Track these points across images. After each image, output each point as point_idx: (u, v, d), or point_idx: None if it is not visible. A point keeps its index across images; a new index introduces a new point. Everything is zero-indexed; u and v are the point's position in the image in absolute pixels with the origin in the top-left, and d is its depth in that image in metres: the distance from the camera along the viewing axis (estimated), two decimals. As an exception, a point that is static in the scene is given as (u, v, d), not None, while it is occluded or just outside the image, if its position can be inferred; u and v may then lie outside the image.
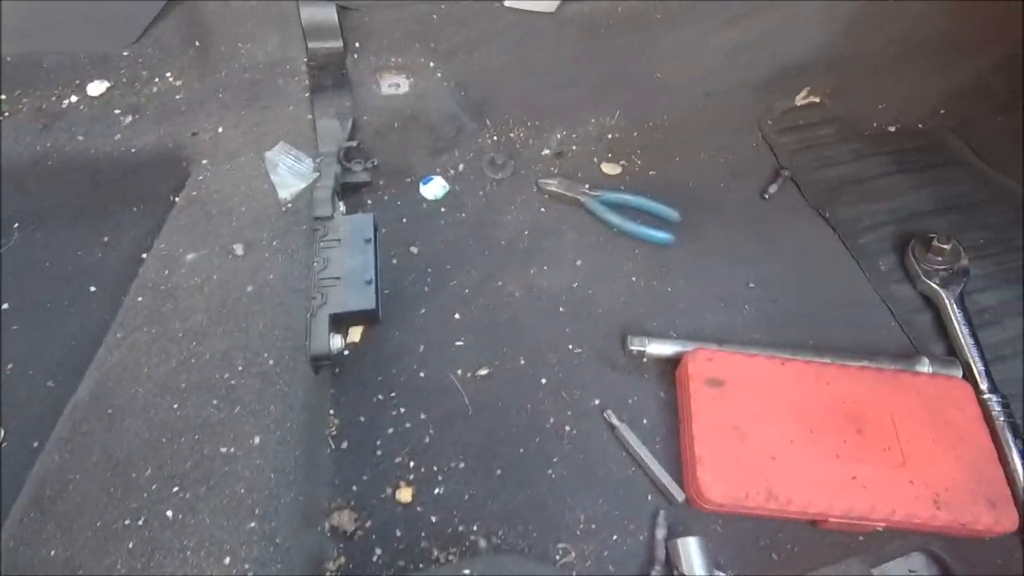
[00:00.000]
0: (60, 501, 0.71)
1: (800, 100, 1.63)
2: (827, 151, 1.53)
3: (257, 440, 0.76)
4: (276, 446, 0.77)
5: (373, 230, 1.04)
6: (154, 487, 0.72)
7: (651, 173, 1.40)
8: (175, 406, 0.77)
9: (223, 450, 0.75)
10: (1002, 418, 1.01)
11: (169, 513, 0.70)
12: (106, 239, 1.07)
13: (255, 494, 0.72)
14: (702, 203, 1.35)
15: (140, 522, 0.69)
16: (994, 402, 1.03)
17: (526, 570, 0.71)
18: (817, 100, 1.64)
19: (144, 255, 1.05)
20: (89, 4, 1.05)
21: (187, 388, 0.79)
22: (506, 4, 1.23)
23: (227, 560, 0.68)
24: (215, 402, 0.78)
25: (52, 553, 0.68)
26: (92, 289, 1.02)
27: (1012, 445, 0.99)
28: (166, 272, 0.89)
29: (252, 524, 0.70)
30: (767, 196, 1.40)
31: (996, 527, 0.89)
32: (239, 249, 0.92)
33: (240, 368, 0.81)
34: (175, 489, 0.72)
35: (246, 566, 0.68)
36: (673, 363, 1.07)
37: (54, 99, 1.08)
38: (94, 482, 0.72)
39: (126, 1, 1.08)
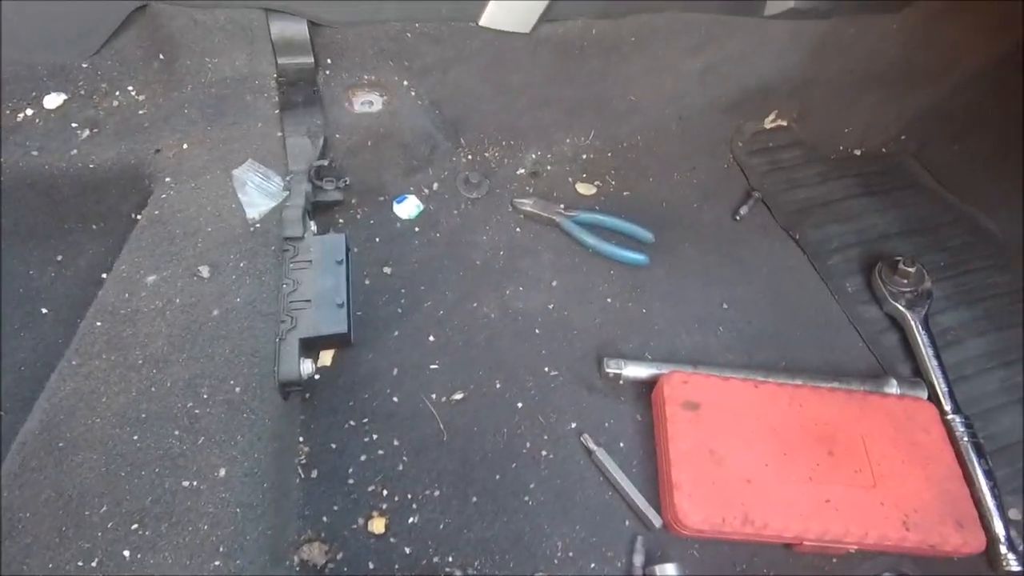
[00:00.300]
0: (8, 542, 0.66)
1: (768, 123, 1.67)
2: (795, 173, 1.56)
3: (222, 472, 0.73)
4: (243, 478, 0.73)
5: (345, 251, 1.01)
6: (110, 525, 0.68)
7: (625, 193, 1.41)
8: (134, 438, 0.73)
9: (186, 484, 0.71)
10: (966, 438, 1.04)
11: (127, 553, 0.66)
12: (60, 259, 1.02)
13: (220, 530, 0.69)
14: (675, 223, 1.37)
15: (94, 563, 0.65)
16: (958, 423, 1.06)
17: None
18: (785, 123, 1.68)
19: (103, 276, 1.01)
20: (46, 12, 1.00)
21: (147, 418, 0.75)
22: (481, 23, 1.23)
23: (189, 603, 0.64)
24: (177, 433, 0.75)
25: (-3, 599, 0.63)
26: (44, 311, 0.97)
27: (977, 465, 1.01)
28: (126, 295, 0.85)
29: (216, 562, 0.67)
30: (739, 217, 1.42)
31: (964, 548, 0.90)
32: (204, 271, 0.89)
33: (204, 396, 0.78)
34: (133, 527, 0.68)
35: (210, 608, 0.64)
36: (649, 385, 1.07)
37: (8, 112, 1.03)
38: (44, 521, 0.67)
39: (87, 8, 1.03)
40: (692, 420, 0.97)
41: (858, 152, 1.66)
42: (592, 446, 0.98)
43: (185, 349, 0.81)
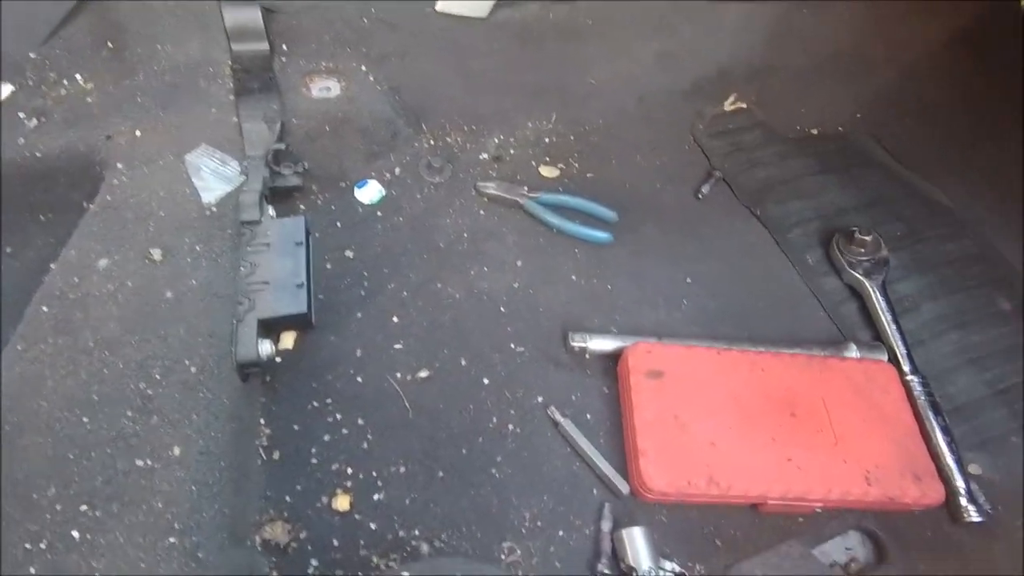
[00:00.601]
0: (-50, 526, 0.64)
1: (728, 105, 1.69)
2: (755, 153, 1.59)
3: (177, 451, 0.72)
4: (199, 456, 0.72)
5: (305, 233, 1.01)
6: (58, 507, 0.66)
7: (588, 175, 1.42)
8: (84, 420, 0.72)
9: (139, 463, 0.70)
10: (923, 397, 1.06)
11: (75, 534, 0.65)
12: (8, 250, 1.00)
13: (174, 508, 0.68)
14: (639, 204, 1.38)
15: (42, 545, 0.64)
16: (916, 383, 1.08)
17: (469, 570, 0.69)
18: (744, 106, 1.70)
19: (52, 266, 0.98)
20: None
21: (99, 401, 0.74)
22: (437, 8, 1.23)
23: (143, 580, 0.63)
24: (130, 414, 0.73)
25: (-60, 585, 0.61)
26: (-7, 303, 0.95)
27: (934, 423, 1.03)
28: (75, 280, 0.83)
29: (171, 539, 0.66)
30: (701, 196, 1.44)
31: (923, 499, 0.92)
32: (157, 254, 0.87)
33: (158, 377, 0.77)
34: (83, 508, 0.66)
35: (165, 584, 0.63)
36: (615, 358, 1.07)
37: (-48, 102, 1.01)
38: (-10, 505, 0.66)
39: (33, 1, 1.01)
40: (656, 388, 0.97)
41: (816, 132, 1.69)
42: (558, 418, 0.98)
43: (138, 331, 0.80)
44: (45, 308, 0.80)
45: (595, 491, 0.93)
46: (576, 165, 1.44)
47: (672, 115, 1.60)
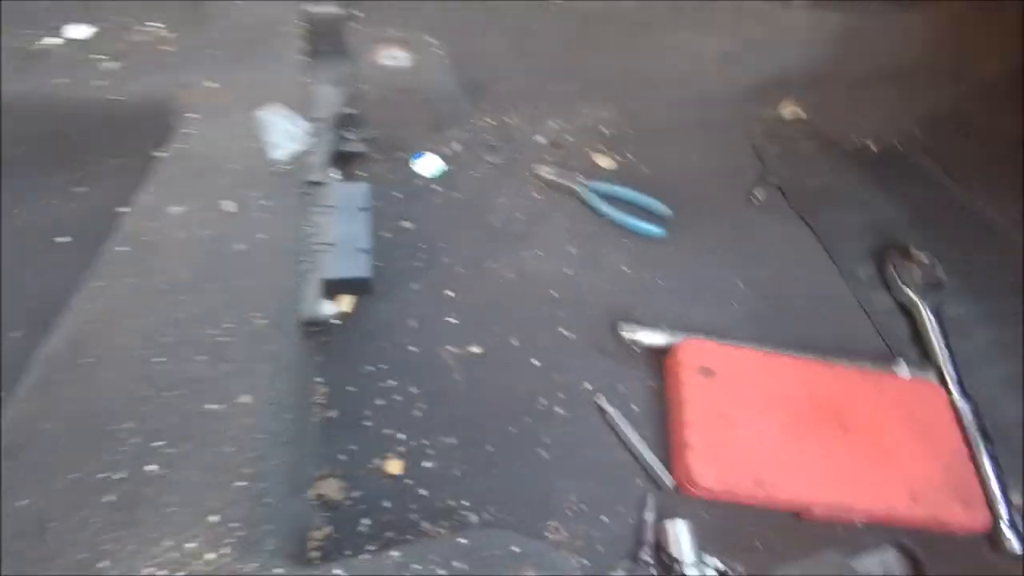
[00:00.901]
0: (33, 451, 0.65)
1: (786, 112, 1.68)
2: (811, 162, 1.58)
3: (247, 399, 0.72)
4: (267, 406, 0.73)
5: (368, 199, 1.01)
6: (135, 441, 0.67)
7: (643, 169, 1.41)
8: (159, 360, 0.73)
9: (210, 407, 0.71)
10: (973, 422, 1.05)
11: (152, 468, 0.66)
12: (80, 189, 1.01)
13: (245, 453, 0.69)
14: (691, 201, 1.37)
15: (119, 476, 0.65)
16: (965, 407, 1.07)
17: (520, 545, 0.69)
18: (801, 112, 1.69)
19: (122, 209, 1.00)
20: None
21: (172, 342, 0.75)
22: (511, -12, 1.23)
23: (213, 518, 0.64)
24: (201, 358, 0.74)
25: (24, 504, 0.63)
26: (63, 240, 0.96)
27: (983, 449, 1.02)
28: (151, 224, 0.84)
29: (241, 483, 0.66)
30: (754, 200, 1.43)
31: (968, 524, 0.92)
32: (229, 206, 0.88)
33: (229, 325, 0.77)
34: (158, 444, 0.67)
35: (234, 524, 0.64)
36: (662, 353, 1.07)
37: (34, 40, 1.02)
38: (70, 434, 0.67)
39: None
40: (706, 385, 0.97)
41: (873, 144, 1.67)
42: (605, 406, 0.98)
43: (209, 279, 0.81)
44: (123, 248, 0.81)
45: (638, 481, 0.93)
46: (631, 157, 1.43)
47: (730, 116, 1.59)
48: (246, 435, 0.70)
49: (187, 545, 0.63)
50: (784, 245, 1.36)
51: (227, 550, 0.63)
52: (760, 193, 1.45)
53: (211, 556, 0.62)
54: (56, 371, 0.71)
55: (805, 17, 1.50)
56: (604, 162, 1.40)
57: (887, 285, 1.30)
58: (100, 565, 0.60)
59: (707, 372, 0.99)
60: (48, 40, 1.01)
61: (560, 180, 1.29)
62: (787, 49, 1.58)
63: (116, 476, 0.65)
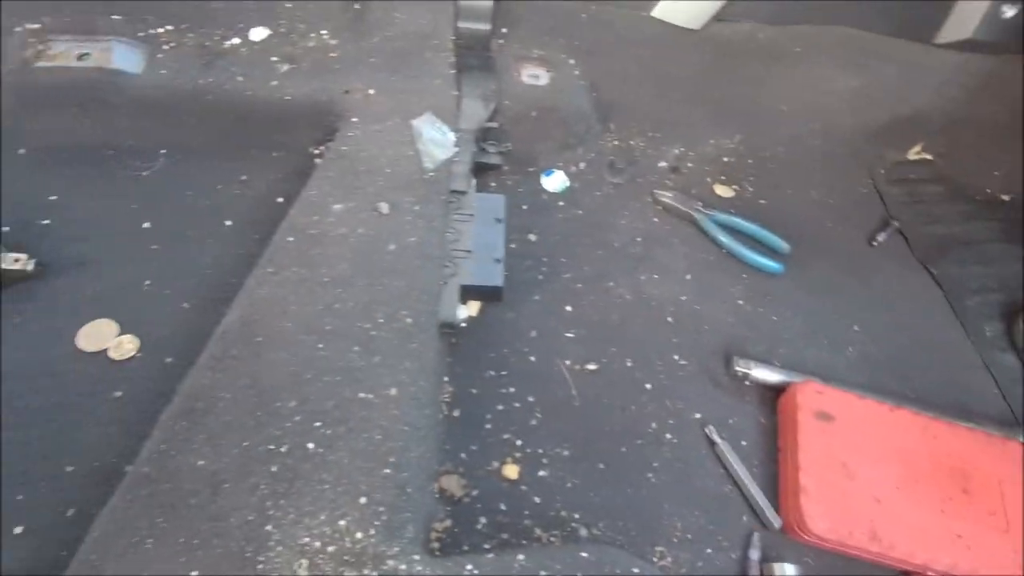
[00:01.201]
0: (210, 417, 0.73)
1: (913, 154, 1.62)
2: (936, 208, 1.52)
3: (394, 392, 0.78)
4: (410, 401, 0.78)
5: (504, 211, 1.06)
6: (297, 419, 0.74)
7: (761, 201, 1.40)
8: (319, 346, 0.80)
9: (362, 396, 0.77)
10: (1107, 503, 0.99)
11: (311, 446, 0.72)
12: (244, 178, 1.10)
13: (390, 443, 0.74)
14: (809, 239, 1.35)
15: (283, 449, 0.71)
16: (1100, 485, 1.01)
17: (639, 567, 0.71)
18: (930, 157, 1.63)
19: (279, 199, 1.08)
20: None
21: (331, 331, 0.81)
22: (653, 14, 1.25)
23: (363, 500, 0.70)
24: (356, 349, 0.80)
25: (200, 463, 0.70)
26: (228, 223, 1.05)
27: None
28: (315, 218, 0.91)
29: (387, 471, 0.72)
30: (875, 243, 1.39)
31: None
32: (384, 208, 0.94)
33: (381, 321, 0.83)
34: (317, 424, 0.74)
35: (380, 508, 0.69)
36: (775, 390, 1.07)
37: (217, 39, 1.12)
38: (241, 405, 0.74)
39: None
40: (824, 431, 0.96)
41: (1005, 197, 1.59)
42: (716, 438, 0.99)
43: (364, 275, 0.87)
44: (290, 239, 0.89)
45: (744, 518, 0.94)
46: (750, 189, 1.42)
47: (854, 154, 1.55)
48: (392, 425, 0.76)
49: (339, 522, 0.68)
50: (904, 292, 1.32)
51: (373, 532, 0.69)
52: (881, 236, 1.41)
53: (359, 535, 0.68)
54: (231, 347, 0.79)
55: (947, 60, 1.45)
56: (723, 191, 1.40)
57: (1015, 346, 1.24)
58: (266, 528, 0.67)
59: (825, 417, 0.98)
60: (231, 41, 1.11)
61: (680, 206, 1.30)
62: (923, 90, 1.52)
63: (281, 448, 0.72)
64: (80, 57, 1.02)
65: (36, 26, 1.04)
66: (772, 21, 1.35)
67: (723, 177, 1.42)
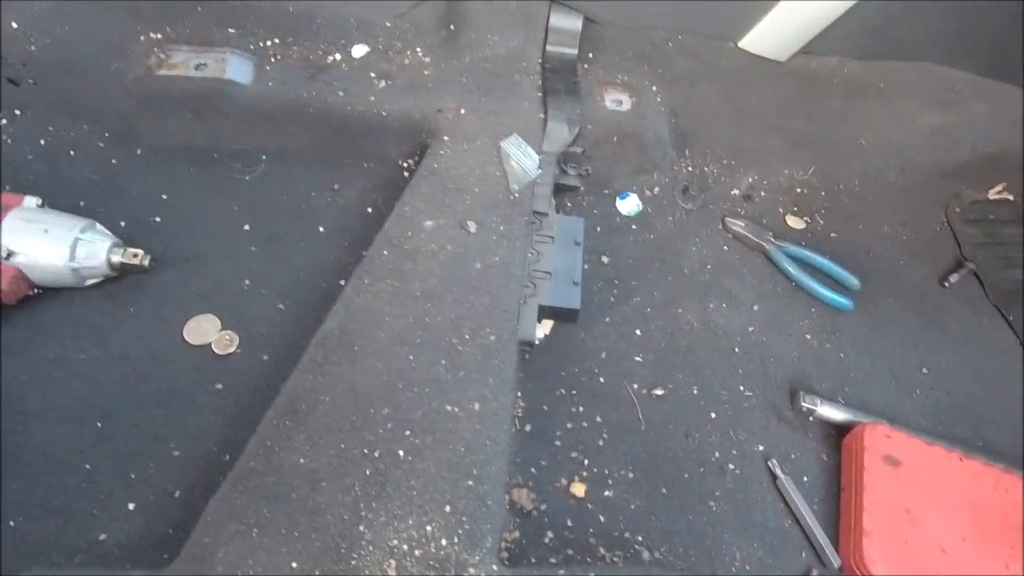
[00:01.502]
0: (311, 418, 0.79)
1: (992, 194, 1.59)
2: (1015, 251, 1.48)
3: (477, 406, 0.82)
4: (491, 416, 0.82)
5: (582, 234, 1.09)
6: (389, 426, 0.79)
7: (832, 234, 1.40)
8: (410, 358, 0.84)
9: (448, 408, 0.81)
10: None
11: (401, 452, 0.77)
12: (336, 187, 1.17)
13: (473, 455, 0.78)
14: (879, 275, 1.35)
15: (376, 454, 0.77)
16: None
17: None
18: (1011, 197, 1.59)
19: (368, 209, 1.14)
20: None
21: (421, 344, 0.86)
22: (739, 45, 1.26)
23: (447, 508, 0.74)
24: (443, 362, 0.85)
25: (301, 461, 0.76)
26: (321, 229, 1.11)
27: None
28: (408, 233, 0.96)
29: (469, 482, 0.76)
30: (947, 284, 1.37)
31: None
32: (472, 226, 0.99)
33: (466, 336, 0.88)
34: (407, 432, 0.78)
35: (463, 518, 0.74)
36: (839, 429, 1.07)
37: (321, 53, 1.19)
38: (339, 409, 0.80)
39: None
40: (890, 475, 0.97)
41: (1089, 243, 1.54)
42: (779, 472, 1.00)
43: (452, 291, 0.92)
44: (385, 252, 0.94)
45: (803, 554, 0.95)
46: (821, 222, 1.42)
47: (930, 191, 1.53)
48: (474, 439, 0.80)
49: (426, 528, 0.73)
50: (976, 337, 1.30)
51: (456, 540, 0.73)
52: (954, 277, 1.39)
53: (444, 542, 0.73)
54: (331, 353, 0.84)
55: (1030, 98, 1.42)
56: (794, 222, 1.40)
57: (1094, 403, 1.21)
58: (359, 528, 0.72)
59: (892, 461, 0.98)
60: (333, 56, 1.17)
61: (751, 236, 1.31)
62: (1007, 130, 1.49)
63: (375, 453, 0.77)
64: (197, 67, 1.10)
65: (158, 36, 1.12)
66: (860, 55, 1.35)
67: (795, 208, 1.42)
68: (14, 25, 1.07)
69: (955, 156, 1.52)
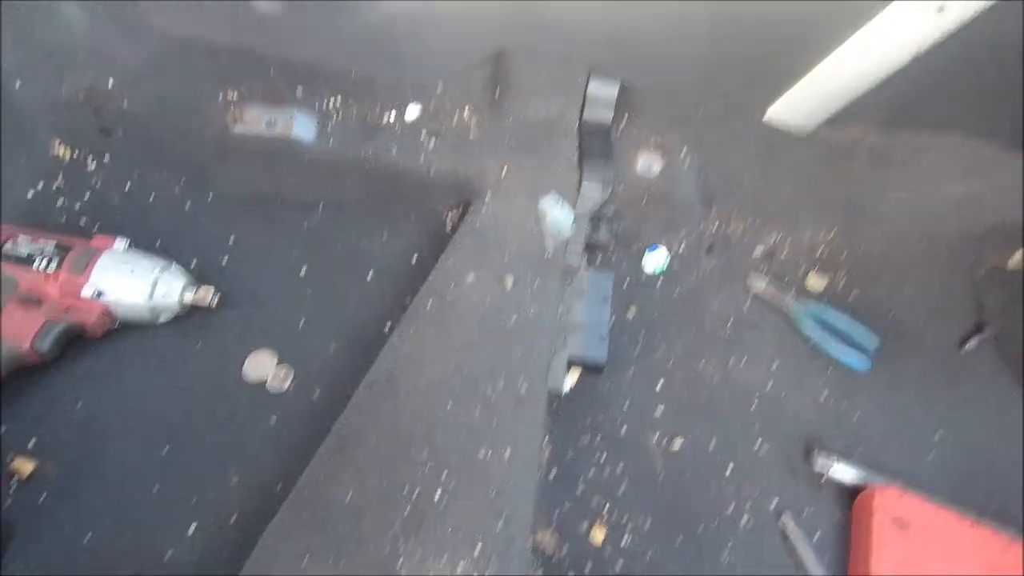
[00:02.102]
0: (359, 454, 0.87)
1: (1014, 262, 1.62)
2: (1035, 319, 1.51)
3: (508, 453, 0.90)
4: (521, 462, 0.90)
5: (611, 290, 1.17)
6: (428, 468, 0.86)
7: (853, 293, 1.45)
8: (448, 404, 0.92)
9: (481, 454, 0.89)
10: None
11: (438, 493, 0.84)
12: (385, 236, 1.26)
13: (502, 499, 0.86)
14: (898, 336, 1.39)
15: (415, 494, 0.84)
16: None
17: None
18: (1033, 264, 1.62)
19: (413, 257, 1.24)
20: (435, 46, 1.26)
21: (459, 391, 0.94)
22: (765, 119, 1.33)
23: (478, 548, 0.81)
24: (479, 409, 0.93)
25: (348, 495, 0.84)
26: (369, 276, 1.21)
27: None
28: (452, 286, 1.05)
29: (500, 524, 0.83)
30: (966, 348, 1.41)
31: None
32: (509, 282, 1.07)
33: (501, 386, 0.96)
34: (443, 475, 0.86)
35: (492, 557, 0.81)
36: (851, 489, 1.11)
37: (377, 112, 1.30)
38: (383, 449, 0.88)
39: (461, 49, 1.27)
40: (899, 539, 1.01)
41: (1114, 314, 1.56)
42: (790, 530, 1.05)
43: (489, 343, 1.00)
44: (430, 302, 1.03)
45: (813, 611, 0.99)
46: (843, 281, 1.47)
47: (953, 256, 1.56)
48: (505, 484, 0.87)
49: (458, 566, 0.80)
50: (994, 403, 1.33)
51: (485, 578, 0.80)
52: (973, 342, 1.42)
53: (474, 580, 0.79)
54: (377, 396, 0.93)
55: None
56: (815, 282, 1.45)
57: (1112, 478, 1.23)
58: (398, 562, 0.79)
59: (901, 524, 1.02)
60: (388, 116, 1.28)
61: (771, 293, 1.37)
62: (1032, 199, 1.53)
63: (413, 493, 0.84)
64: (267, 124, 1.21)
65: (235, 95, 1.25)
66: (885, 124, 1.41)
67: (817, 267, 1.47)
68: (111, 83, 1.20)
69: (980, 223, 1.55)
